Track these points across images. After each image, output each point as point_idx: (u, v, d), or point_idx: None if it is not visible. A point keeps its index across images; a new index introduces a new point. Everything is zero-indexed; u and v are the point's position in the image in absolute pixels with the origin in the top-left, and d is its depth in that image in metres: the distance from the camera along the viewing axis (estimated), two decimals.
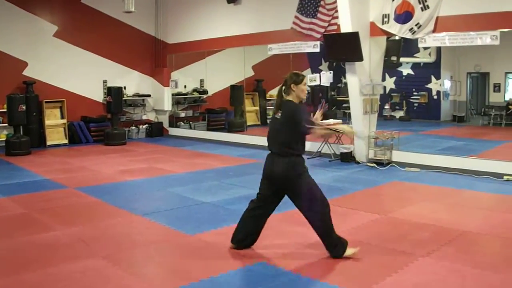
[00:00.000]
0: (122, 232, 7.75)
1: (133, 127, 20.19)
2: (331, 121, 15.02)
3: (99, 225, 8.04)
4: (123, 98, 19.27)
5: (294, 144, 6.37)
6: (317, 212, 6.44)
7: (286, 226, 7.95)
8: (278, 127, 6.45)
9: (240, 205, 9.14)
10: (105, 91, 19.06)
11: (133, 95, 20.27)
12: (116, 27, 19.51)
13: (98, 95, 19.28)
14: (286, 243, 7.04)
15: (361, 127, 13.67)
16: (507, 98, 24.28)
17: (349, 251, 6.45)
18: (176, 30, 20.01)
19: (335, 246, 6.45)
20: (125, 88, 19.65)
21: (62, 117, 18.27)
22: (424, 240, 7.15)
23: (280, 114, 6.42)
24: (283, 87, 6.48)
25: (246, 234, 6.76)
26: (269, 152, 6.63)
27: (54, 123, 18.07)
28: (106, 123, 18.87)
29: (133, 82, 20.34)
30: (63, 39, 18.31)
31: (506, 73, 24.51)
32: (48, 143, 17.62)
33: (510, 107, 23.46)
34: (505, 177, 11.71)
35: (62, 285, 5.60)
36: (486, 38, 11.84)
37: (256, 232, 6.79)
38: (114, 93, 18.26)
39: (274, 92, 24.23)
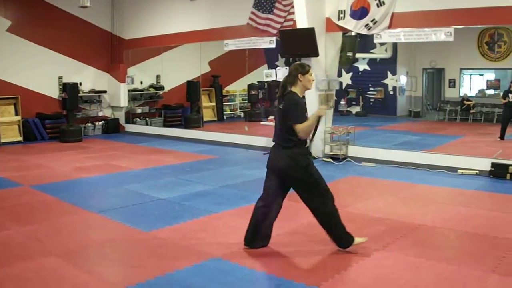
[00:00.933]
0: (77, 230, 7.69)
1: (89, 124, 20.00)
2: None
3: (54, 223, 7.96)
4: (79, 95, 19.03)
5: (295, 136, 6.31)
6: (322, 204, 6.48)
7: (241, 222, 7.96)
8: (279, 118, 6.47)
9: (197, 201, 9.22)
10: (61, 87, 18.83)
11: (89, 92, 20.09)
12: (71, 22, 19.28)
13: (53, 92, 19.04)
14: (241, 238, 7.03)
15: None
16: (462, 94, 24.63)
17: (358, 240, 6.53)
18: (133, 26, 19.89)
19: (341, 237, 6.50)
20: (80, 84, 19.41)
21: (17, 114, 17.98)
22: (380, 234, 7.23)
23: (281, 105, 6.42)
24: (288, 78, 6.44)
25: (259, 235, 6.71)
26: (273, 144, 6.63)
27: (8, 120, 17.78)
28: (61, 120, 18.64)
29: (89, 78, 20.15)
30: (17, 34, 18.04)
31: (461, 69, 24.88)
32: (2, 140, 17.31)
33: (465, 102, 23.80)
34: (459, 171, 11.91)
35: (16, 285, 5.55)
36: (441, 34, 12.00)
37: (269, 231, 6.76)
38: (69, 90, 18.01)
39: (230, 87, 24.33)
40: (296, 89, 6.39)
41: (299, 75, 6.35)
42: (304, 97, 6.56)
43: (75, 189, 10.46)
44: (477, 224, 7.92)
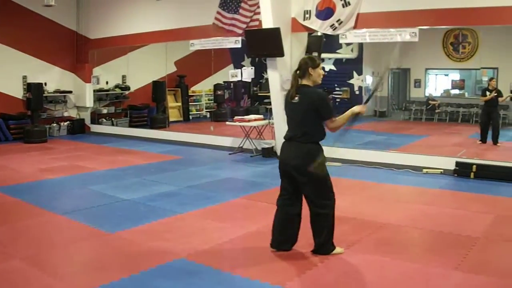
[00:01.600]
0: (41, 232, 7.60)
1: (54, 124, 19.77)
2: (252, 116, 15.12)
3: (17, 226, 7.85)
4: (44, 95, 18.83)
5: (316, 132, 6.24)
6: (325, 207, 6.38)
7: (206, 222, 7.97)
8: (300, 113, 6.26)
9: (162, 202, 9.19)
10: (25, 87, 18.54)
11: (54, 92, 19.87)
12: (36, 21, 19.02)
13: (17, 91, 18.75)
14: (206, 239, 7.04)
15: (282, 122, 13.78)
16: (427, 94, 24.86)
17: (337, 250, 6.46)
18: (98, 25, 19.72)
19: (325, 245, 6.44)
20: (45, 84, 19.22)
21: None
22: (345, 233, 7.23)
23: (297, 99, 6.27)
24: (298, 72, 6.33)
25: (286, 236, 6.57)
26: (286, 140, 6.45)
27: None
28: (26, 120, 18.37)
29: (54, 78, 19.93)
30: None
31: (426, 69, 25.12)
32: None
33: (430, 102, 24.02)
34: (424, 170, 12.02)
35: None
36: (406, 35, 12.08)
37: (294, 233, 6.59)
38: (34, 89, 17.80)
39: (196, 88, 24.29)
40: (308, 83, 6.32)
41: (310, 69, 6.25)
42: None
43: (39, 191, 10.33)
44: (441, 222, 8.01)
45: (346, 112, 6.23)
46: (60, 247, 6.89)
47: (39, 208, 8.85)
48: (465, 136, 18.25)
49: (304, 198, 6.44)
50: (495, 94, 15.49)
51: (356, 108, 6.28)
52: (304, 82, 6.30)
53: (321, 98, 6.23)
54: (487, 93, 15.76)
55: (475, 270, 5.94)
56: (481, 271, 5.93)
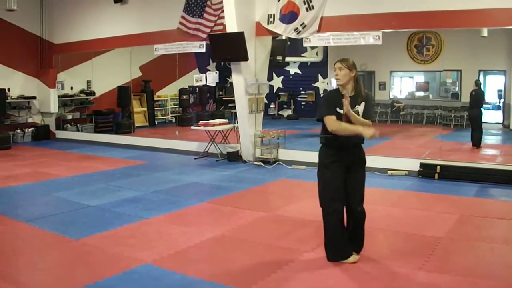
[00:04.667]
0: (4, 241, 7.49)
1: (18, 131, 19.51)
2: (217, 121, 15.12)
3: None
4: (7, 101, 18.60)
5: (323, 133, 6.23)
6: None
7: (171, 227, 7.96)
8: None
9: (127, 207, 9.15)
10: None
11: (18, 97, 19.60)
12: None
13: None
14: (171, 244, 7.03)
15: (246, 126, 13.82)
16: (392, 96, 25.00)
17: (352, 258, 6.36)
18: (62, 30, 19.55)
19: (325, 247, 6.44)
20: (8, 90, 18.94)
21: None
22: (308, 236, 7.29)
23: None
24: None
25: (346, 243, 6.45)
26: None
27: None
28: None
29: (17, 83, 19.64)
30: None
31: (391, 71, 25.23)
32: None
33: (395, 104, 24.16)
34: (389, 172, 12.13)
35: None
36: (369, 38, 12.21)
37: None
38: None
39: (162, 92, 24.19)
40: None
41: None
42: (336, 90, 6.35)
43: (2, 198, 10.18)
44: (406, 223, 8.11)
45: (356, 126, 6.02)
46: (24, 255, 6.81)
47: (2, 216, 8.73)
48: (430, 138, 18.40)
49: None
50: None
51: (366, 133, 5.98)
52: None
53: (321, 98, 6.33)
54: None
55: (439, 270, 6.03)
56: (445, 270, 6.01)
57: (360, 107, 6.14)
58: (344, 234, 6.35)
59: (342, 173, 6.21)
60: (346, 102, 5.92)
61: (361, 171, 6.38)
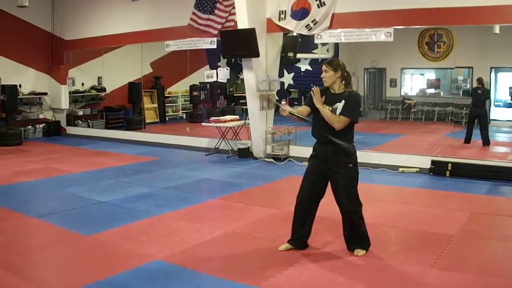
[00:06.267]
0: (16, 236, 7.52)
1: (30, 127, 19.58)
2: (228, 117, 15.10)
3: None
4: (19, 97, 18.67)
5: None
6: None
7: (182, 223, 7.96)
8: None
9: (138, 203, 9.15)
10: None
11: (29, 93, 19.66)
12: (9, 22, 18.77)
13: None
14: (183, 240, 7.03)
15: (257, 123, 13.81)
16: (403, 93, 24.93)
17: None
18: (73, 26, 19.59)
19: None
20: (20, 86, 19.01)
21: None
22: (320, 233, 7.25)
23: None
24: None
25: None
26: None
27: None
28: (0, 123, 18.23)
29: (28, 79, 19.71)
30: None
31: (402, 68, 25.15)
32: None
33: (406, 101, 24.10)
34: (400, 169, 12.10)
35: None
36: (381, 34, 12.15)
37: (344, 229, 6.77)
38: (8, 91, 17.61)
39: (172, 89, 24.19)
40: None
41: None
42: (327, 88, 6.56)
43: (14, 194, 10.22)
44: (417, 220, 8.08)
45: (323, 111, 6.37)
46: (35, 250, 6.86)
47: (13, 211, 8.76)
48: (441, 135, 18.33)
49: None
50: None
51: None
52: None
53: None
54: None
55: (451, 268, 5.99)
56: (457, 268, 5.98)
57: (340, 105, 6.30)
58: (298, 221, 6.68)
59: (315, 167, 6.51)
60: (312, 93, 6.43)
61: (340, 173, 6.37)
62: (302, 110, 6.57)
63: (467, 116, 16.86)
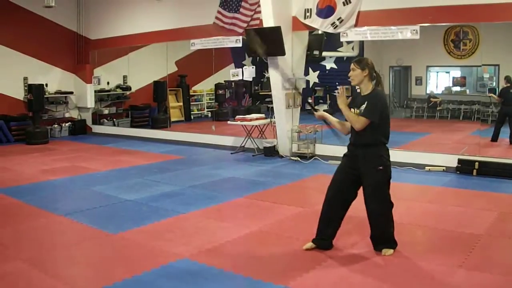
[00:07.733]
0: (43, 234, 7.59)
1: (56, 125, 19.74)
2: (254, 115, 15.09)
3: (19, 227, 7.82)
4: (45, 96, 18.81)
5: None
6: None
7: (208, 222, 7.97)
8: None
9: (164, 202, 9.17)
10: (26, 88, 18.49)
11: (55, 93, 19.84)
12: (36, 22, 18.97)
13: (18, 93, 18.71)
14: (209, 239, 7.03)
15: (283, 121, 13.79)
16: (428, 91, 24.78)
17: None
18: (99, 26, 19.71)
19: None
20: (46, 85, 19.16)
21: None
22: (348, 232, 7.20)
23: None
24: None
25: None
26: None
27: None
28: (27, 122, 18.32)
29: (55, 79, 19.88)
30: None
31: (427, 66, 25.00)
32: None
33: (432, 99, 23.95)
34: (426, 167, 12.02)
35: None
36: (407, 32, 12.06)
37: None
38: (35, 91, 17.75)
39: (197, 87, 24.25)
40: None
41: None
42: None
43: (41, 192, 10.29)
44: (445, 220, 8.01)
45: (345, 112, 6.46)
46: (62, 248, 6.88)
47: (41, 209, 8.83)
48: (467, 133, 18.20)
49: None
50: None
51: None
52: None
53: None
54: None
55: (479, 268, 5.93)
56: (485, 268, 5.92)
57: (363, 106, 6.26)
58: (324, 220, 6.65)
59: (345, 167, 6.62)
60: (340, 91, 6.43)
61: (370, 175, 6.35)
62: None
63: (496, 115, 16.68)
